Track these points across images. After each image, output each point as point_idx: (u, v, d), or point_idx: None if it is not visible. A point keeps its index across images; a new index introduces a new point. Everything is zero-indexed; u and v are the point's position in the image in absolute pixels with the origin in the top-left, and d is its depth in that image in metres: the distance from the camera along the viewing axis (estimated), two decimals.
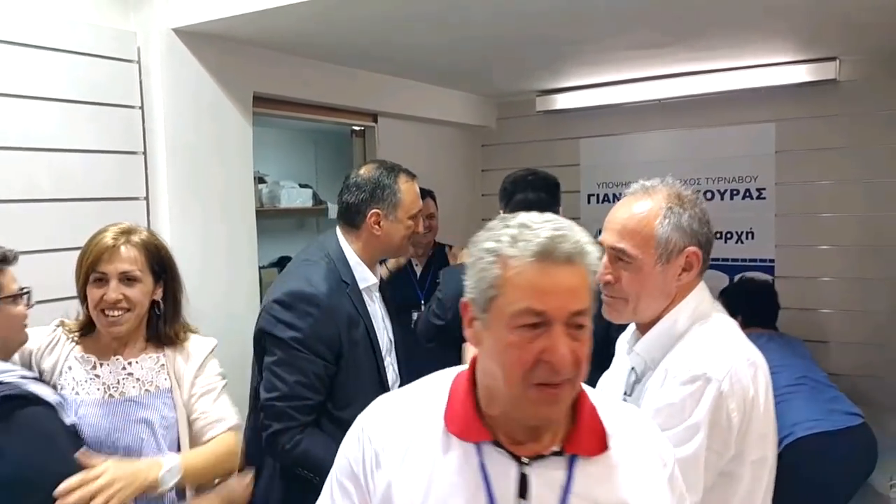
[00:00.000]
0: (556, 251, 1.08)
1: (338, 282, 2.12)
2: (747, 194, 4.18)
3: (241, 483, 1.92)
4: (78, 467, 1.62)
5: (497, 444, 1.15)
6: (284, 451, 2.01)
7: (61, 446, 1.68)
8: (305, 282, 2.07)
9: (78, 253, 1.93)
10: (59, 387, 1.89)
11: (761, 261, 4.15)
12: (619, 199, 1.67)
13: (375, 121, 4.06)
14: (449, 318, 2.76)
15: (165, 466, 1.75)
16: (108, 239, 1.89)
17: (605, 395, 1.30)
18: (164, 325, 1.99)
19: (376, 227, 2.17)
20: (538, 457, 1.15)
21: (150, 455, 1.86)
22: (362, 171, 2.23)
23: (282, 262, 4.65)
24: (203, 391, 1.97)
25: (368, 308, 2.18)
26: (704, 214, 1.60)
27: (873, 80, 3.77)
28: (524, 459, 1.14)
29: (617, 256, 1.57)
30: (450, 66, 3.73)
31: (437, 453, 1.17)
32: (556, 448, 1.16)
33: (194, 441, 1.94)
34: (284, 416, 2.01)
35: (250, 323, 2.22)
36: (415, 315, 3.46)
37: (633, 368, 1.63)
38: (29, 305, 1.80)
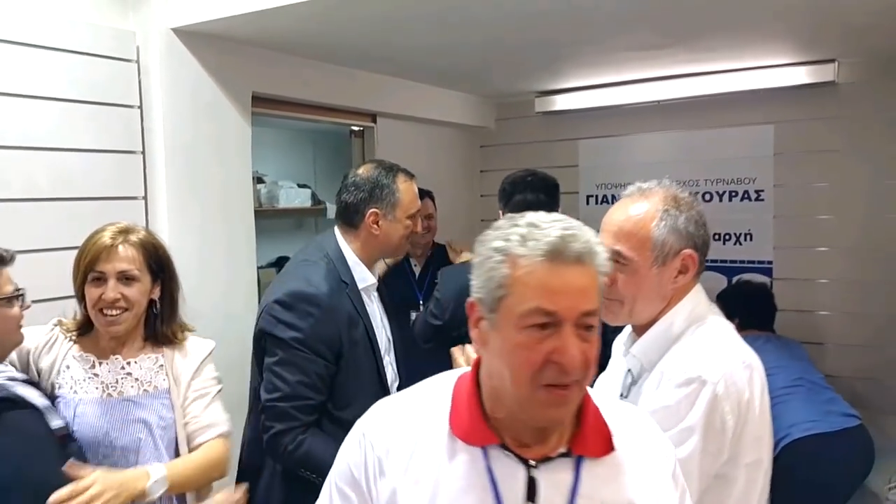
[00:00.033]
0: (567, 250, 1.07)
1: (337, 282, 2.11)
2: (746, 196, 4.18)
3: (231, 498, 1.89)
4: (60, 472, 1.61)
5: (504, 447, 1.13)
6: (287, 452, 2.00)
7: (44, 451, 1.68)
8: (305, 282, 2.07)
9: (76, 252, 1.93)
10: (56, 385, 1.89)
11: (759, 262, 4.16)
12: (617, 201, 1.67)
13: (374, 121, 4.06)
14: (447, 319, 2.76)
15: (153, 477, 1.75)
16: (106, 238, 1.89)
17: (604, 396, 1.30)
18: (161, 325, 2.00)
19: (375, 226, 2.17)
20: (545, 459, 1.13)
21: (149, 455, 1.87)
22: (360, 170, 2.23)
23: (280, 263, 4.65)
24: (196, 395, 1.97)
25: (367, 308, 2.19)
26: (701, 217, 1.60)
27: (872, 83, 3.77)
28: (531, 462, 1.13)
29: (613, 258, 1.57)
30: (449, 66, 3.73)
31: (442, 458, 1.15)
32: (562, 450, 1.14)
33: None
34: (287, 417, 2.00)
35: (249, 323, 2.22)
36: (413, 315, 3.46)
37: (629, 370, 1.63)
38: (23, 307, 1.80)
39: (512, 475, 1.12)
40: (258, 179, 4.48)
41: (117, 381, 1.91)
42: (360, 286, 2.17)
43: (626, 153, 4.52)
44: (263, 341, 2.09)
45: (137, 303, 1.91)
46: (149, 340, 1.99)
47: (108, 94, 2.64)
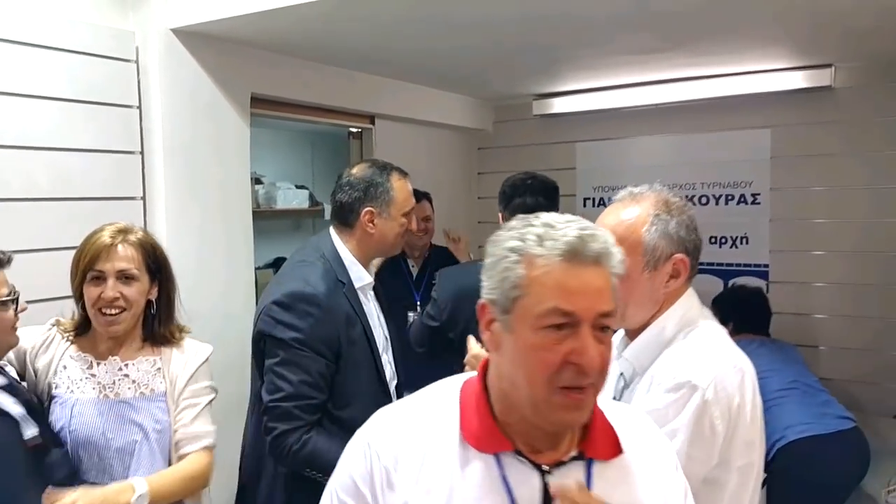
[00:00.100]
0: (585, 250, 1.05)
1: (334, 281, 2.11)
2: (742, 199, 4.19)
3: None
4: (26, 483, 1.60)
5: (519, 453, 1.11)
6: (292, 453, 1.98)
7: (12, 460, 1.67)
8: (303, 282, 2.07)
9: (74, 252, 1.93)
10: (53, 385, 1.89)
11: (756, 266, 4.17)
12: None
13: (373, 123, 4.07)
14: (444, 319, 2.76)
15: (137, 491, 1.75)
16: (105, 237, 1.89)
17: (604, 398, 1.30)
18: (158, 326, 1.99)
19: (370, 225, 2.17)
20: (558, 464, 1.12)
21: (144, 458, 1.87)
22: (354, 170, 2.23)
23: (277, 264, 4.65)
24: (187, 404, 1.96)
25: (364, 307, 2.19)
26: (692, 221, 1.58)
27: (868, 87, 3.79)
28: (545, 468, 1.11)
29: None
30: (447, 69, 3.74)
31: (454, 467, 1.11)
32: (573, 453, 1.13)
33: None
34: (290, 417, 1.98)
35: (247, 324, 2.22)
36: (411, 315, 3.47)
37: (621, 374, 1.63)
38: (19, 310, 1.80)
39: (526, 482, 1.10)
40: (256, 180, 4.48)
41: (114, 383, 1.91)
42: (356, 285, 2.17)
43: (623, 156, 4.54)
44: (263, 343, 2.08)
45: (136, 303, 1.91)
46: (147, 341, 1.99)
47: (107, 94, 2.64)
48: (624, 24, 2.84)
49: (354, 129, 4.10)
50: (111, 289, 1.86)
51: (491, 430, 1.12)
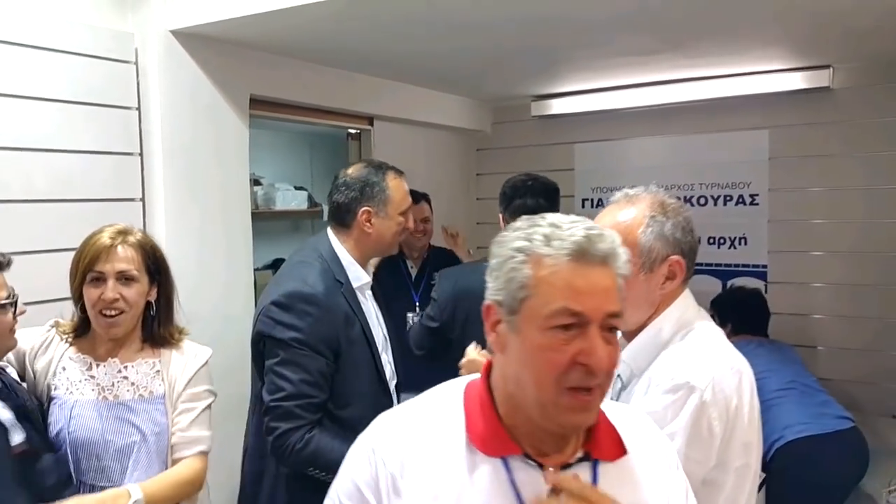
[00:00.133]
0: (593, 250, 1.05)
1: (332, 281, 2.12)
2: (741, 200, 4.20)
3: None
4: (14, 489, 1.60)
5: (527, 456, 1.10)
6: (294, 452, 1.97)
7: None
8: (302, 282, 2.07)
9: (73, 253, 1.93)
10: (53, 387, 1.90)
11: (754, 266, 4.17)
12: None
13: (371, 124, 4.07)
14: (444, 320, 2.76)
15: (133, 497, 1.74)
16: (105, 239, 1.89)
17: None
18: (158, 327, 1.99)
19: (367, 224, 2.18)
20: (565, 466, 1.11)
21: (141, 459, 1.87)
22: (350, 170, 2.24)
23: (276, 265, 4.63)
24: (185, 407, 1.96)
25: (363, 306, 2.19)
26: (688, 223, 1.58)
27: (866, 88, 3.80)
28: (552, 470, 1.10)
29: None
30: (446, 70, 3.74)
31: (462, 472, 1.10)
32: (579, 455, 1.13)
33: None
34: (292, 416, 1.98)
35: (246, 325, 2.22)
36: (410, 316, 3.48)
37: (618, 375, 1.62)
38: (17, 313, 1.80)
39: (534, 484, 1.09)
40: (255, 181, 4.48)
41: (113, 385, 1.91)
42: (354, 285, 2.18)
43: (621, 157, 4.54)
44: (262, 344, 2.08)
45: (135, 304, 1.91)
46: (146, 342, 1.99)
47: (107, 96, 2.64)
48: (623, 26, 2.84)
49: (353, 131, 4.10)
50: (111, 290, 1.86)
51: (498, 433, 1.11)
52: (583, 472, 1.12)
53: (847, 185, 3.88)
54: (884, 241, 3.79)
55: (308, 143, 5.42)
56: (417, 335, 2.90)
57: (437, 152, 4.73)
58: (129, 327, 1.93)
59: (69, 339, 1.96)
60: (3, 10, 2.36)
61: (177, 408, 1.94)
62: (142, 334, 1.98)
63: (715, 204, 4.26)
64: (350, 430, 1.98)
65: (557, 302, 1.04)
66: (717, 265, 4.24)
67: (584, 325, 1.04)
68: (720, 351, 1.53)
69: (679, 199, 1.66)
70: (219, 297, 2.93)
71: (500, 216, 2.76)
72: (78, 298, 1.92)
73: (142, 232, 2.03)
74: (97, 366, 1.92)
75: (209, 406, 2.02)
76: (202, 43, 2.84)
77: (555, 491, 1.07)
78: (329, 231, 2.24)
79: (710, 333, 1.57)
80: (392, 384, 2.26)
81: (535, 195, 2.69)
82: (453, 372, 1.75)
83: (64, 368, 1.92)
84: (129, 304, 1.89)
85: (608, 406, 1.22)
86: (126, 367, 1.93)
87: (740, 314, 3.52)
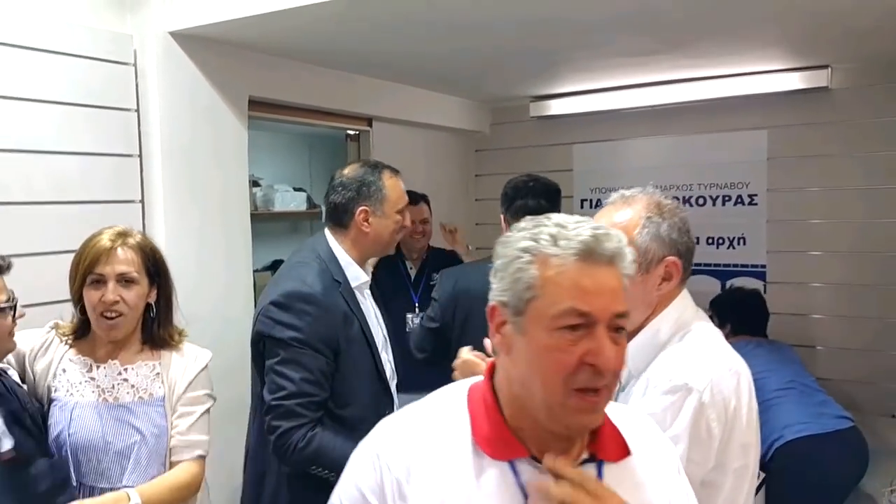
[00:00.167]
0: (600, 249, 1.05)
1: (331, 281, 2.12)
2: (739, 200, 4.20)
3: None
4: (3, 496, 1.59)
5: (534, 459, 1.09)
6: (297, 450, 1.97)
7: None
8: (300, 282, 2.08)
9: (72, 255, 1.93)
10: (53, 389, 1.90)
11: (753, 266, 4.18)
12: None
13: (370, 125, 4.07)
14: (446, 319, 2.76)
15: (132, 501, 1.75)
16: (105, 241, 1.89)
17: None
18: (157, 328, 2.00)
19: (365, 224, 2.19)
20: None
21: (141, 461, 1.87)
22: (346, 171, 2.25)
23: (275, 266, 4.61)
24: (184, 411, 1.96)
25: (361, 306, 2.20)
26: (684, 223, 1.58)
27: (864, 88, 3.80)
28: (552, 456, 1.09)
29: None
30: (445, 71, 3.75)
31: (469, 476, 1.08)
32: (585, 456, 1.12)
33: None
34: (293, 415, 1.98)
35: (246, 326, 2.22)
36: (409, 317, 3.48)
37: None
38: (16, 317, 1.80)
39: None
40: (254, 183, 4.49)
41: (113, 387, 1.91)
42: (352, 284, 2.18)
43: (620, 157, 4.55)
44: (262, 344, 2.09)
45: (136, 306, 1.91)
46: (146, 344, 1.99)
47: (106, 98, 2.64)
48: (622, 27, 2.85)
49: (352, 132, 4.10)
50: (111, 292, 1.86)
51: (504, 435, 1.10)
52: (588, 473, 1.11)
53: (845, 184, 3.89)
54: (882, 240, 3.80)
55: (307, 144, 5.42)
56: (418, 337, 2.89)
57: (435, 153, 4.74)
58: (129, 329, 1.93)
59: (69, 341, 1.96)
60: (2, 12, 2.36)
61: (176, 410, 1.95)
62: (141, 336, 1.98)
63: (714, 204, 4.26)
64: (350, 429, 2.00)
65: (565, 302, 1.03)
66: (715, 265, 4.25)
67: (592, 325, 1.03)
68: (718, 352, 1.53)
69: (678, 199, 1.66)
70: (218, 299, 2.93)
71: (502, 217, 2.76)
72: (78, 300, 1.92)
73: (141, 234, 2.03)
74: (97, 368, 1.92)
75: (208, 410, 2.02)
76: (201, 44, 2.85)
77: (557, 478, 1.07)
78: (326, 232, 2.25)
79: (708, 334, 1.57)
80: (393, 384, 2.26)
81: (536, 196, 2.70)
82: (450, 372, 1.75)
83: (64, 370, 1.92)
84: (130, 306, 1.89)
85: (610, 407, 1.21)
86: (126, 370, 1.93)
87: (739, 315, 3.52)
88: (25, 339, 1.91)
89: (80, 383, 1.90)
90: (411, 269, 3.75)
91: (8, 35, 2.37)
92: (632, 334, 1.57)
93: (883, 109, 3.76)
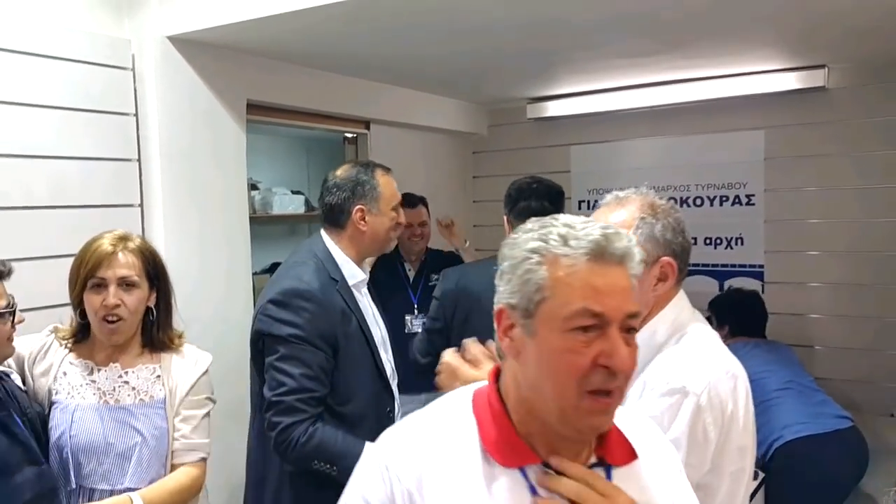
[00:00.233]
0: (611, 249, 1.03)
1: (328, 279, 2.14)
2: (737, 200, 4.21)
3: None
4: None
5: (545, 465, 1.07)
6: (298, 445, 1.96)
7: None
8: (297, 280, 2.09)
9: (72, 260, 1.94)
10: (53, 391, 1.90)
11: (750, 266, 4.19)
12: None
13: (368, 128, 4.07)
14: (449, 317, 2.75)
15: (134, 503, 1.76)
16: (106, 245, 1.90)
17: None
18: (157, 331, 2.00)
19: (362, 222, 2.20)
20: None
21: (142, 463, 1.88)
22: (339, 171, 2.29)
23: (274, 269, 4.60)
24: (186, 415, 1.97)
25: (359, 303, 2.21)
26: (679, 224, 1.57)
27: (861, 88, 3.82)
28: (556, 458, 1.08)
29: None
30: (443, 74, 3.75)
31: (481, 485, 1.06)
32: (593, 460, 1.11)
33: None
34: (294, 411, 1.98)
35: (246, 329, 2.23)
36: (408, 318, 3.49)
37: None
38: (14, 322, 1.80)
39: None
40: (252, 186, 4.49)
41: (114, 389, 1.92)
42: (350, 282, 2.20)
43: (617, 158, 4.55)
44: (261, 343, 2.10)
45: (136, 310, 1.92)
46: (146, 347, 2.00)
47: (104, 102, 2.65)
48: (620, 28, 2.85)
49: (350, 135, 4.10)
50: (113, 296, 1.87)
51: (513, 442, 1.08)
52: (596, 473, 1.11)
53: (843, 184, 3.90)
54: (879, 240, 3.81)
55: (305, 147, 5.42)
56: (422, 342, 2.87)
57: (433, 155, 4.74)
58: (129, 333, 1.94)
59: (68, 345, 1.97)
60: (1, 18, 2.37)
61: (178, 413, 1.95)
62: (141, 339, 1.99)
63: (711, 204, 4.27)
64: (351, 426, 2.01)
65: (577, 303, 1.01)
66: (713, 266, 4.26)
67: (605, 326, 1.02)
68: (715, 355, 1.53)
69: (675, 199, 1.66)
70: (218, 302, 2.93)
71: (505, 218, 2.77)
72: (78, 304, 1.93)
73: (141, 238, 2.04)
74: (98, 370, 1.93)
75: (209, 413, 2.03)
76: (199, 49, 2.85)
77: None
78: (322, 232, 2.27)
79: (705, 336, 1.57)
80: (394, 383, 2.27)
81: (539, 198, 2.70)
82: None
83: (65, 373, 1.92)
84: (131, 309, 1.90)
85: None
86: (127, 373, 1.94)
87: (738, 316, 3.52)
88: (24, 343, 1.91)
89: (81, 386, 1.91)
90: (410, 270, 3.76)
91: (7, 40, 2.37)
92: None
93: (879, 109, 3.77)
